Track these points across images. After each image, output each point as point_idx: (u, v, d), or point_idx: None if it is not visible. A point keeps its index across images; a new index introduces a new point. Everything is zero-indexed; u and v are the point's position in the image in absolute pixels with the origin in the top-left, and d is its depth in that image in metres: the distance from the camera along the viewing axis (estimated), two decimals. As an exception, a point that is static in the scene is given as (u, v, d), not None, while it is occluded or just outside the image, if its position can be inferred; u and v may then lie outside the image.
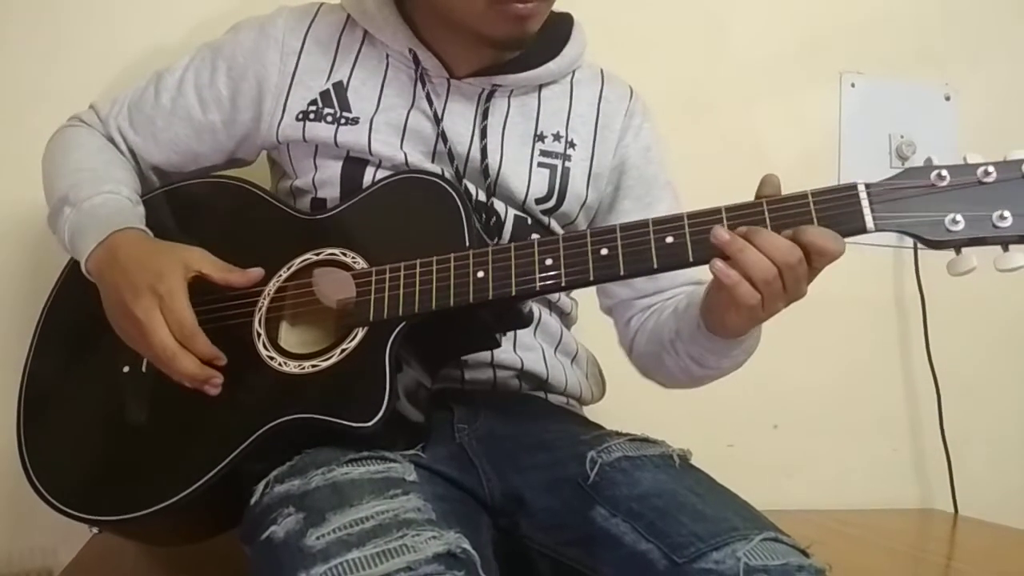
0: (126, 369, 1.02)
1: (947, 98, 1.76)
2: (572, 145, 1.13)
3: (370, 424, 0.88)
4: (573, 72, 1.17)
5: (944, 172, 0.83)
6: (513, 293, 0.90)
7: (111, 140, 1.16)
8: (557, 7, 1.07)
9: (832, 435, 1.68)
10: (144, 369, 1.00)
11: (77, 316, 1.07)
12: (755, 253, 0.84)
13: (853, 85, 1.73)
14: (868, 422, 1.71)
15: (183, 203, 1.12)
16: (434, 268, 0.93)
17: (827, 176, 1.70)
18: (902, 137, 1.72)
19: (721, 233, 0.86)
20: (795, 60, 1.71)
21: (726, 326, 0.94)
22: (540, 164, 1.12)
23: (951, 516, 1.67)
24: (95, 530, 1.16)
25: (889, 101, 1.74)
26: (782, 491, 1.55)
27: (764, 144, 1.67)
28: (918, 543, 1.56)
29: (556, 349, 1.14)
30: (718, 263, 0.86)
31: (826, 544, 0.86)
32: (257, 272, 1.00)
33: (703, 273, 1.11)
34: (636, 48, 1.54)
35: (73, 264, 1.09)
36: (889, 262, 1.72)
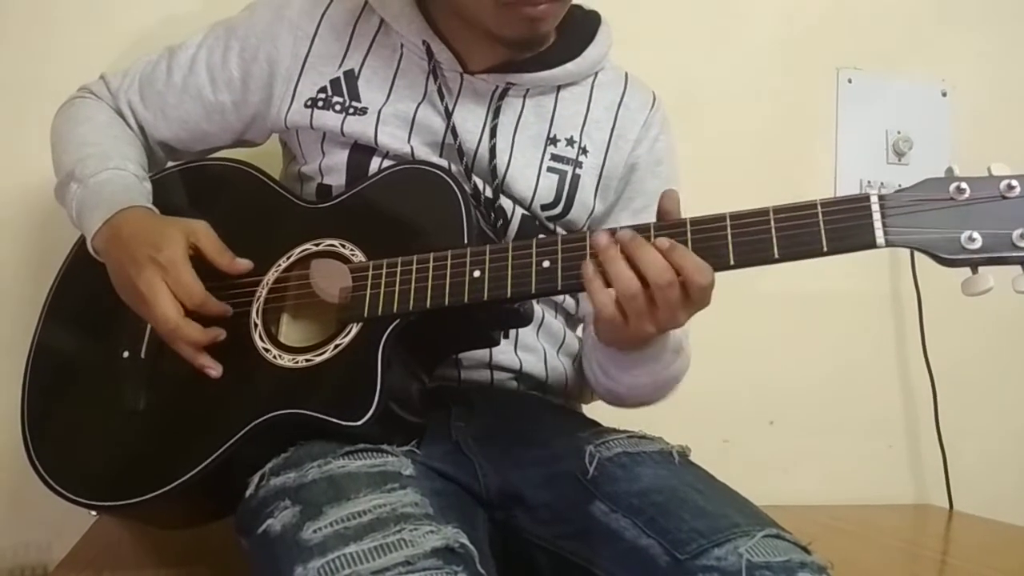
0: (125, 355, 1.02)
1: (944, 94, 1.76)
2: (584, 151, 1.10)
3: (360, 424, 0.87)
4: (596, 74, 1.13)
5: (964, 185, 0.78)
6: (508, 295, 0.89)
7: (120, 113, 1.15)
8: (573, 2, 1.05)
9: (828, 431, 1.68)
10: (143, 355, 1.01)
11: (80, 302, 1.07)
12: (622, 266, 0.82)
13: (850, 81, 1.73)
14: (864, 418, 1.71)
15: (187, 185, 1.12)
16: (430, 266, 0.91)
17: (824, 172, 1.71)
18: (899, 133, 1.73)
19: (599, 239, 0.84)
20: (792, 55, 1.71)
21: (601, 337, 0.93)
22: (550, 169, 1.08)
23: (946, 512, 1.67)
24: (94, 514, 1.16)
25: (886, 97, 1.74)
26: (778, 487, 1.54)
27: (761, 139, 1.66)
28: (913, 539, 1.57)
29: (559, 350, 1.13)
30: (588, 267, 0.84)
31: (821, 540, 0.85)
32: (245, 264, 0.99)
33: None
34: (631, 43, 1.53)
35: (77, 252, 1.09)
36: (885, 258, 1.72)
